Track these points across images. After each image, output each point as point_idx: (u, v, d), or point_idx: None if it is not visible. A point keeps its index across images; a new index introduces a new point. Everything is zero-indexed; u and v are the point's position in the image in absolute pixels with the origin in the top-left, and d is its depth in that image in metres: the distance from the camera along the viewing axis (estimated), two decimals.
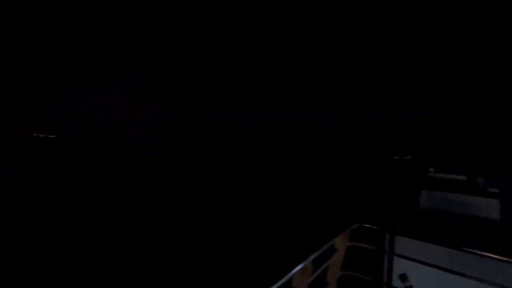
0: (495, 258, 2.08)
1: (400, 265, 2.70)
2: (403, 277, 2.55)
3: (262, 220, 10.91)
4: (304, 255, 1.96)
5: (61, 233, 8.50)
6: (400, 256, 2.64)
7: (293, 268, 1.78)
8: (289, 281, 1.68)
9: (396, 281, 2.69)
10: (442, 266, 2.27)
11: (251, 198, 15.53)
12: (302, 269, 1.81)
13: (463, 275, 2.15)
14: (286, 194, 17.47)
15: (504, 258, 2.09)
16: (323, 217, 11.05)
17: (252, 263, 6.42)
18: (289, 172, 32.83)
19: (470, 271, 2.27)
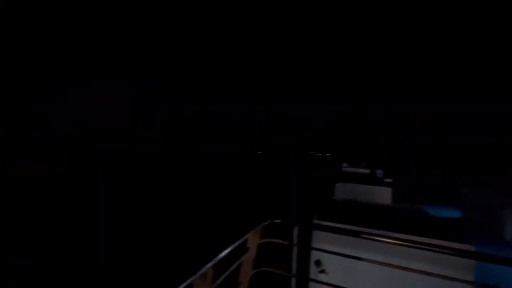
0: (391, 242, 2.23)
1: (313, 255, 2.91)
2: (318, 263, 2.93)
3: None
4: (210, 257, 1.84)
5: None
6: (312, 248, 2.79)
7: (195, 272, 1.66)
8: (189, 285, 1.59)
9: (312, 270, 2.92)
10: (348, 254, 2.41)
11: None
12: (203, 273, 1.70)
13: (364, 259, 2.30)
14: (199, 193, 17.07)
15: (396, 241, 2.23)
16: (235, 216, 10.71)
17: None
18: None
19: (371, 254, 2.44)
